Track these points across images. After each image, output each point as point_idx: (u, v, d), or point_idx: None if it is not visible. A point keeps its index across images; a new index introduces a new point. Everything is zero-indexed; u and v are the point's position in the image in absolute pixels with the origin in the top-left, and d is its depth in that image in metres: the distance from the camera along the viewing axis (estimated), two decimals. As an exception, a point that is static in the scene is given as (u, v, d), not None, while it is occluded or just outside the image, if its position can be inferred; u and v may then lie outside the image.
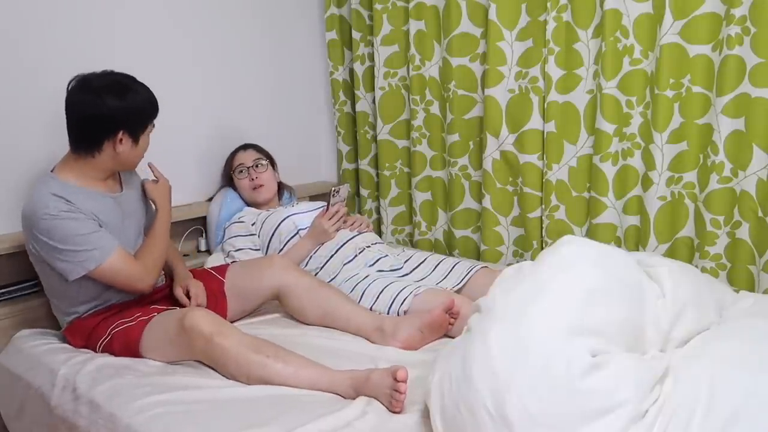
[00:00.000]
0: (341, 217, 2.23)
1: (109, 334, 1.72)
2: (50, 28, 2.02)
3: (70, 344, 1.80)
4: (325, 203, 2.24)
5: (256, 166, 2.38)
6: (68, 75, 1.72)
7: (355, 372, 1.47)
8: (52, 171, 1.75)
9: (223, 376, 1.55)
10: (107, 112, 1.65)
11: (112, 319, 1.75)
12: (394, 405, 1.35)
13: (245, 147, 2.45)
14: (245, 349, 1.51)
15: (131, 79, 1.71)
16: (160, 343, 1.65)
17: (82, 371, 1.59)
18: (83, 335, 1.77)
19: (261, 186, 2.36)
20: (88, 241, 1.65)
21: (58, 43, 2.04)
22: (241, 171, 2.38)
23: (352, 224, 2.28)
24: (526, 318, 1.20)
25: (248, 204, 2.43)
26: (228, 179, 2.45)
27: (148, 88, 1.74)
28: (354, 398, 1.42)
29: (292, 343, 1.61)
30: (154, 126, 1.80)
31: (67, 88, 1.69)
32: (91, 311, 1.79)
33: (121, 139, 1.69)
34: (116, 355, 1.70)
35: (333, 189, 2.19)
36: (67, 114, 1.70)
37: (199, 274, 2.00)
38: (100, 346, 1.73)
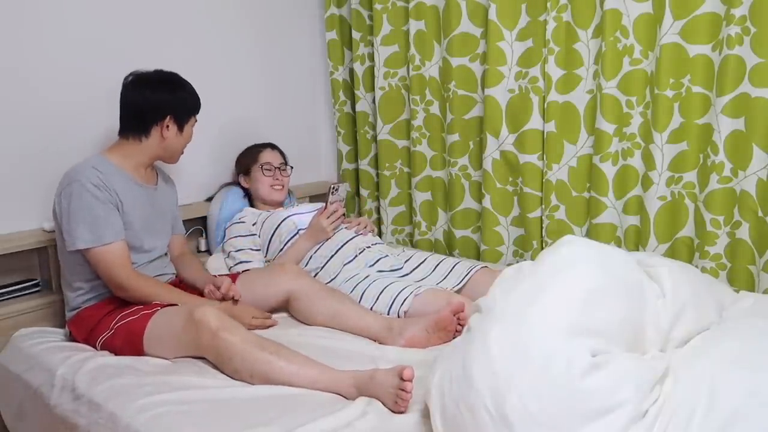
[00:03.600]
0: (339, 216, 2.23)
1: (111, 329, 1.73)
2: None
3: (72, 337, 1.82)
4: (324, 203, 2.24)
5: (283, 169, 2.42)
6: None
7: (357, 372, 1.47)
8: (101, 153, 1.90)
9: (225, 373, 1.56)
10: (159, 100, 1.86)
11: (116, 314, 1.76)
12: (399, 405, 1.35)
13: (272, 146, 2.47)
14: (250, 345, 1.52)
15: (179, 76, 1.94)
16: (164, 336, 1.66)
17: (81, 371, 1.59)
18: (86, 328, 1.79)
19: (282, 188, 2.41)
20: (94, 222, 1.74)
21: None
22: (269, 169, 2.40)
23: (358, 225, 2.29)
24: (527, 318, 1.20)
25: (256, 200, 2.44)
26: (243, 170, 2.45)
27: (191, 85, 1.94)
28: (356, 398, 1.42)
29: (292, 342, 1.61)
30: (196, 120, 1.98)
31: (123, 83, 1.88)
32: (95, 296, 1.83)
33: (167, 126, 1.88)
34: (117, 350, 1.71)
35: (332, 186, 2.19)
36: (121, 104, 1.89)
37: (209, 281, 2.01)
38: (101, 342, 1.74)
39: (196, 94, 1.95)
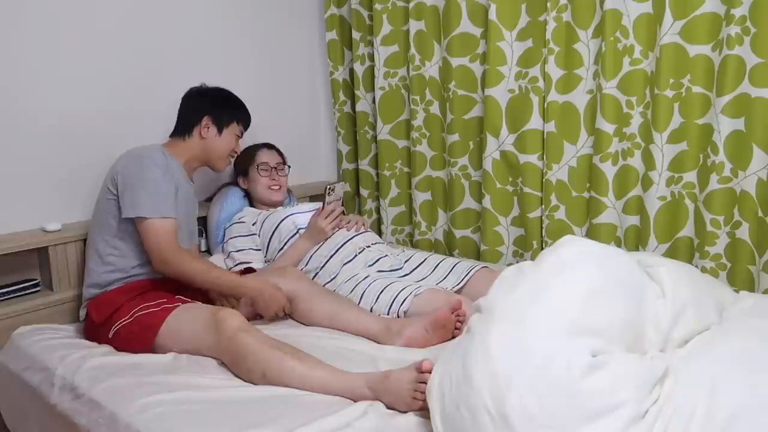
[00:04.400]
0: (338, 215, 2.22)
1: (131, 316, 1.75)
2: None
3: (89, 317, 1.84)
4: (322, 204, 2.24)
5: (280, 169, 2.41)
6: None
7: (370, 374, 1.46)
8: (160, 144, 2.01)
9: (237, 373, 1.56)
10: (199, 102, 2.06)
11: (136, 302, 1.79)
12: (416, 399, 1.33)
13: (269, 146, 2.47)
14: (265, 345, 1.54)
15: (230, 92, 2.15)
16: (183, 330, 1.69)
17: (81, 370, 1.59)
18: (106, 312, 1.80)
19: (280, 188, 2.40)
20: (157, 194, 1.83)
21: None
22: (265, 169, 2.39)
23: (348, 223, 2.28)
24: (527, 318, 1.20)
25: (255, 200, 2.44)
26: (241, 172, 2.45)
27: (241, 100, 2.15)
28: (371, 399, 1.40)
29: (292, 343, 1.61)
30: (243, 132, 2.15)
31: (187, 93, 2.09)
32: (121, 278, 1.86)
33: (207, 126, 2.03)
34: (128, 339, 1.73)
35: (328, 187, 2.19)
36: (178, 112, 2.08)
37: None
38: (116, 327, 1.75)
39: (242, 104, 2.13)
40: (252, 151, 2.45)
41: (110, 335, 1.76)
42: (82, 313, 1.90)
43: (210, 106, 2.05)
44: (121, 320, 1.76)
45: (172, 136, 2.06)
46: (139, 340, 1.71)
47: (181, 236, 1.94)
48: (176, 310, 1.73)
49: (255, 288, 1.88)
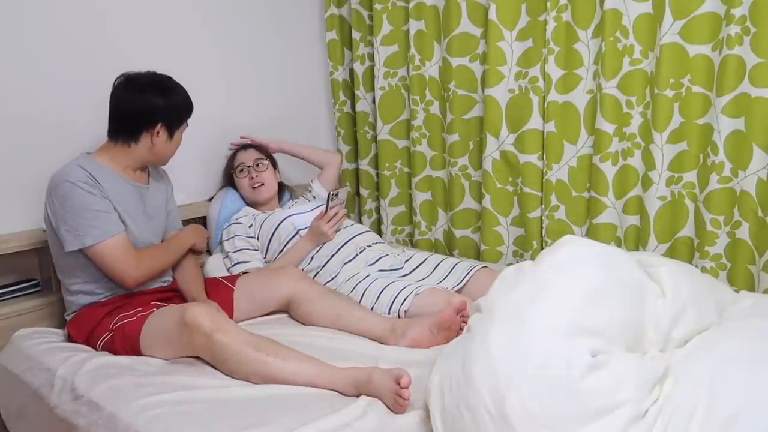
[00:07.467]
0: (340, 219, 2.23)
1: (111, 331, 1.73)
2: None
3: (72, 339, 1.81)
4: (324, 204, 2.24)
5: (257, 165, 2.38)
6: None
7: (356, 370, 1.47)
8: (88, 153, 1.85)
9: (223, 372, 1.55)
10: (150, 107, 1.80)
11: (114, 315, 1.76)
12: (397, 408, 1.36)
13: (246, 147, 2.46)
14: (245, 346, 1.52)
15: (171, 80, 1.87)
16: (159, 338, 1.65)
17: (81, 371, 1.59)
18: (86, 330, 1.78)
19: (261, 185, 2.37)
20: (95, 217, 1.72)
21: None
22: (242, 170, 2.38)
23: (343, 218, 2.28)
24: (527, 318, 1.20)
25: (248, 203, 2.43)
26: (229, 179, 2.46)
27: (185, 89, 1.88)
28: (354, 395, 1.42)
29: (291, 342, 1.61)
30: (187, 125, 1.93)
31: (114, 84, 1.83)
32: (96, 298, 1.81)
33: (158, 132, 1.83)
34: (118, 352, 1.71)
35: (331, 192, 2.20)
36: (111, 106, 1.84)
37: (209, 282, 2.02)
38: (101, 343, 1.73)
39: (189, 99, 1.89)
40: (231, 156, 2.45)
41: (98, 350, 1.74)
42: (66, 333, 1.86)
43: (163, 110, 1.82)
44: (103, 336, 1.73)
45: (111, 140, 1.85)
46: (128, 353, 1.69)
47: (145, 240, 1.87)
48: (148, 320, 1.69)
49: (188, 235, 2.03)
